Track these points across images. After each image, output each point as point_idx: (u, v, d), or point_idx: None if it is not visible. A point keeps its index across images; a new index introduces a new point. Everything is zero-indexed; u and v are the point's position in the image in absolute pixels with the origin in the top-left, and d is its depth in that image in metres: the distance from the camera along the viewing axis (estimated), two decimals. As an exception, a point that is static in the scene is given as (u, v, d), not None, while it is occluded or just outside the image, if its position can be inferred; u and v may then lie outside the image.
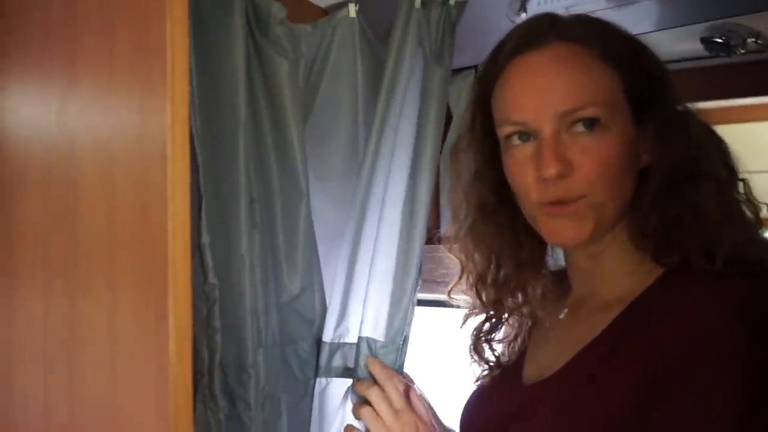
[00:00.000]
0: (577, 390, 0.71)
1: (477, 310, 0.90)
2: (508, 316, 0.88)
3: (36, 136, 0.77)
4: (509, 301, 0.86)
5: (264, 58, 0.99)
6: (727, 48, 1.09)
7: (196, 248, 0.89)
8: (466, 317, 0.91)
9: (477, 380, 0.91)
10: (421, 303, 1.34)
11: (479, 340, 0.89)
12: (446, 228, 0.92)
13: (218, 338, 0.89)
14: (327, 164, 1.13)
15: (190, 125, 0.64)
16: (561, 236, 0.75)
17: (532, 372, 0.82)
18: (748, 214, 0.75)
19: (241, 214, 0.93)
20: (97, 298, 0.67)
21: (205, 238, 0.89)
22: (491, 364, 0.89)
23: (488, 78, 0.80)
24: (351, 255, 1.04)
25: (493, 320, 0.89)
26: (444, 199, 1.37)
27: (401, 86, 1.03)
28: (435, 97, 1.06)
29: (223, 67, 0.93)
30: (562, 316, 0.84)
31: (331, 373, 1.02)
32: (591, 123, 0.72)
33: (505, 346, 0.90)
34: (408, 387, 0.97)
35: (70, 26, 0.72)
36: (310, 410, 1.03)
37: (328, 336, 1.03)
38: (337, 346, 1.03)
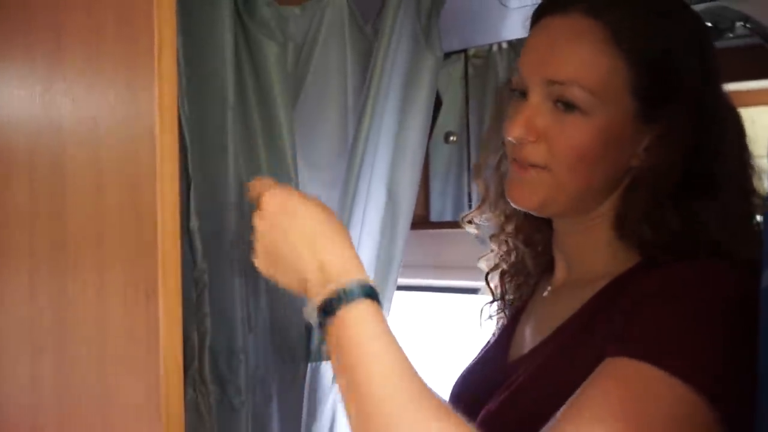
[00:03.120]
0: (549, 362, 0.73)
1: (493, 249, 0.91)
2: (517, 256, 0.89)
3: (20, 118, 0.75)
4: (520, 239, 0.87)
5: (252, 41, 0.98)
6: (715, 32, 1.09)
7: (185, 232, 0.88)
8: (487, 255, 0.92)
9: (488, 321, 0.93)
10: (412, 288, 1.34)
11: (495, 270, 0.91)
12: (478, 161, 0.92)
13: (208, 323, 0.88)
14: (316, 150, 1.12)
15: (178, 107, 0.63)
16: (512, 196, 0.77)
17: (515, 349, 0.84)
18: (753, 217, 0.74)
19: (230, 199, 0.92)
20: (85, 281, 0.66)
21: (194, 223, 0.88)
22: (499, 297, 0.91)
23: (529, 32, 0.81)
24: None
25: (505, 253, 0.90)
26: (435, 185, 1.37)
27: (389, 71, 1.03)
28: (424, 81, 1.06)
29: (210, 50, 0.92)
30: (545, 294, 0.86)
31: (321, 357, 1.02)
32: (567, 105, 0.72)
33: (512, 289, 0.91)
34: None
35: (55, 4, 0.70)
36: (302, 394, 1.03)
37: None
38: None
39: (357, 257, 0.70)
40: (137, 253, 0.60)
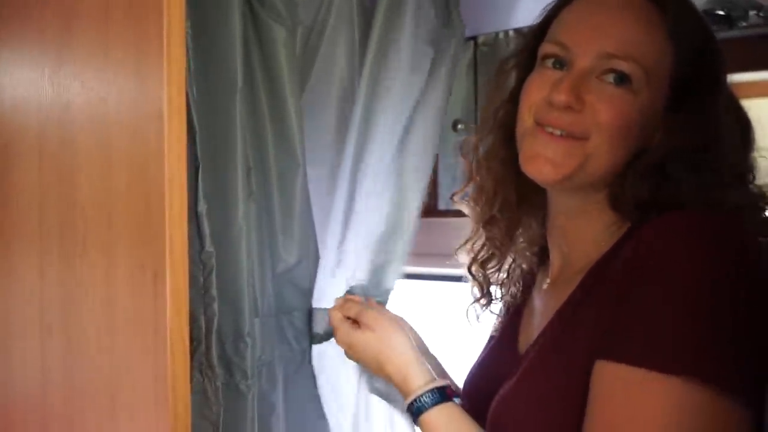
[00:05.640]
0: (543, 354, 0.74)
1: (474, 238, 0.90)
2: (499, 247, 0.88)
3: (30, 99, 0.76)
4: (502, 228, 0.86)
5: (260, 25, 0.98)
6: (728, 21, 1.08)
7: (193, 216, 0.88)
8: (466, 242, 0.91)
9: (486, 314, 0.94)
10: (420, 277, 1.34)
11: (474, 262, 0.90)
12: (468, 137, 0.90)
13: (215, 306, 0.89)
14: (324, 135, 1.12)
15: (186, 90, 0.63)
16: (537, 167, 0.75)
17: (524, 341, 0.85)
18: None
19: (238, 183, 0.92)
20: (93, 261, 0.66)
21: (202, 206, 0.88)
22: (483, 291, 0.91)
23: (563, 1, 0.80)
24: (343, 221, 1.04)
25: (487, 244, 0.89)
26: (443, 173, 1.37)
27: (392, 54, 1.01)
28: (442, 65, 1.04)
29: (219, 34, 0.92)
30: (545, 286, 0.86)
31: (322, 338, 1.03)
32: (621, 78, 0.72)
33: (498, 287, 0.91)
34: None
35: (64, -14, 0.70)
36: (312, 379, 1.03)
37: (316, 302, 1.04)
38: (325, 311, 1.03)
39: (414, 369, 0.85)
40: (145, 235, 0.61)
